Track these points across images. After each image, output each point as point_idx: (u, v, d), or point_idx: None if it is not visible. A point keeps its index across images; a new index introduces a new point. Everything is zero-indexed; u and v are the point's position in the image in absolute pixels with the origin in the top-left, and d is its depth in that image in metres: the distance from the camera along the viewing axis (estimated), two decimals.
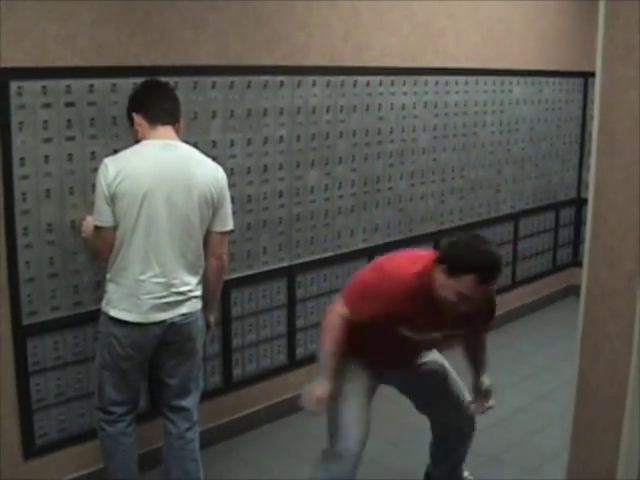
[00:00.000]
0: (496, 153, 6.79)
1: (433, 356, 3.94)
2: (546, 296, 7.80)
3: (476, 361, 3.93)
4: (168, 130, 3.75)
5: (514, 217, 7.18)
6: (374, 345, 3.67)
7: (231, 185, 3.91)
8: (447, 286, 3.34)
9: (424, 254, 3.65)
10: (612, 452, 2.19)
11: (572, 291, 7.68)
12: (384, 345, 3.65)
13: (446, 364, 3.97)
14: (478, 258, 3.30)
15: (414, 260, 3.58)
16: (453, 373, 3.97)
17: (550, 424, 5.04)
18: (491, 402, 3.84)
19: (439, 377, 3.93)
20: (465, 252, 3.36)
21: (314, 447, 4.71)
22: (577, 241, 8.01)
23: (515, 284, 7.29)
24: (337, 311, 3.61)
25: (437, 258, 3.43)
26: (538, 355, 6.45)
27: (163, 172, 3.63)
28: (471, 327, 3.72)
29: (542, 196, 7.53)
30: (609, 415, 2.21)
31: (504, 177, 6.95)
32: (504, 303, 7.08)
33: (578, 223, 7.95)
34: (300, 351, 5.35)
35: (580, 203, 7.86)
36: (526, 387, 5.81)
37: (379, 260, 3.79)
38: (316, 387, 3.51)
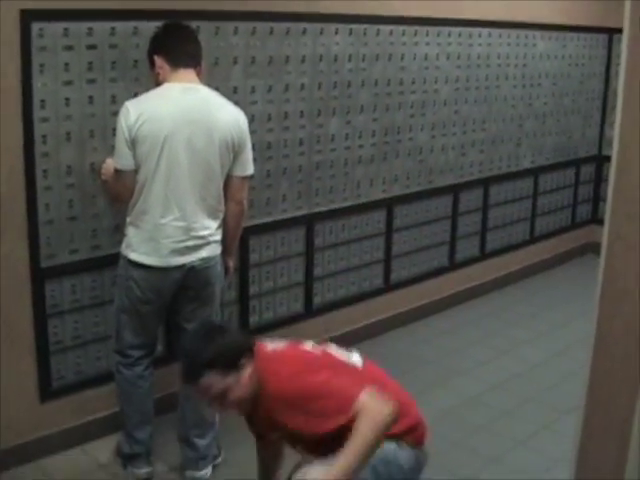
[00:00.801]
0: (518, 107, 6.73)
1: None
2: (564, 253, 7.77)
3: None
4: (190, 73, 3.71)
5: (534, 172, 7.14)
6: None
7: (251, 132, 3.87)
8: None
9: None
10: (629, 406, 2.19)
11: (590, 249, 7.66)
12: None
13: None
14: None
15: None
16: None
17: (565, 380, 5.05)
18: None
19: None
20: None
21: None
22: (597, 198, 7.97)
23: (533, 239, 7.27)
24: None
25: None
26: (555, 312, 6.44)
27: (184, 115, 3.61)
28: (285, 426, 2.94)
29: (563, 152, 7.48)
30: (626, 370, 2.20)
31: (525, 132, 6.90)
32: (521, 258, 7.09)
33: (598, 180, 7.92)
34: (317, 300, 5.36)
35: (601, 160, 7.81)
36: (542, 343, 5.81)
37: None
38: None
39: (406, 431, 2.95)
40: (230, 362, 2.87)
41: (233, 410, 3.01)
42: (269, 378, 2.91)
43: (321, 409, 2.83)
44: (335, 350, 3.18)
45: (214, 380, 2.83)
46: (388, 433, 2.82)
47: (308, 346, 3.14)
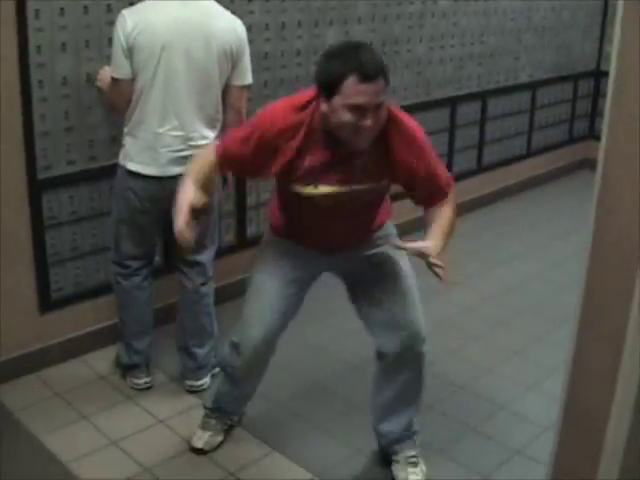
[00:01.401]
0: (516, 20, 6.67)
1: (387, 253, 3.32)
2: (561, 167, 7.77)
3: (431, 228, 3.11)
4: None
5: (532, 86, 7.10)
6: (295, 221, 3.30)
7: (249, 42, 3.82)
8: (334, 109, 2.84)
9: (299, 95, 3.11)
10: (623, 315, 2.21)
11: (587, 164, 7.65)
12: (304, 217, 3.24)
13: (402, 265, 3.34)
14: (346, 56, 2.82)
15: (290, 100, 3.12)
16: (408, 275, 3.35)
17: (560, 292, 5.08)
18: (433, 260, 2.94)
19: (388, 272, 3.33)
20: (331, 60, 2.86)
21: (324, 305, 4.69)
22: (594, 114, 7.94)
23: (530, 154, 7.27)
24: (204, 153, 3.29)
25: (315, 93, 2.96)
26: (550, 225, 6.47)
27: (182, 24, 3.57)
28: (387, 176, 3.11)
29: (561, 66, 7.43)
30: (620, 279, 2.22)
31: (523, 45, 6.85)
32: (518, 172, 7.09)
33: (596, 96, 7.88)
34: None
35: (599, 75, 7.77)
36: (537, 256, 5.85)
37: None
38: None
39: None
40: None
41: (370, 135, 2.88)
42: (402, 118, 3.08)
43: (428, 169, 3.09)
44: None
45: (382, 87, 2.83)
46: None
47: None
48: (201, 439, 3.64)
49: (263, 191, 4.97)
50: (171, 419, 3.86)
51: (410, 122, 3.10)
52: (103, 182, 4.15)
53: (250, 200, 4.95)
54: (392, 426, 3.49)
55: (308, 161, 2.99)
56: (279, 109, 3.05)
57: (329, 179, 3.01)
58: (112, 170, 3.90)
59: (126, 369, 4.11)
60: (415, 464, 3.49)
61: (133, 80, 3.62)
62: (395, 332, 3.26)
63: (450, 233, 3.10)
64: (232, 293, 4.84)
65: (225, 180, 4.06)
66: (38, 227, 4.00)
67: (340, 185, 3.02)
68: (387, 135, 2.99)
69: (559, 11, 7.17)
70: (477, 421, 3.93)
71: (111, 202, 3.98)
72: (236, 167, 3.31)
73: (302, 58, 4.93)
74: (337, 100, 2.80)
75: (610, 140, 2.17)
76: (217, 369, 4.15)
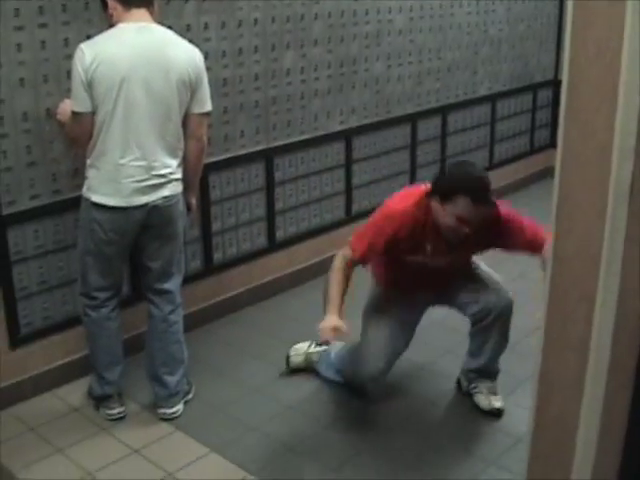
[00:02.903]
0: (473, 34, 6.74)
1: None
2: (524, 178, 7.84)
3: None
4: (143, 13, 3.68)
5: (491, 99, 7.16)
6: (403, 276, 3.98)
7: (206, 69, 3.84)
8: (444, 213, 3.63)
9: (417, 189, 3.87)
10: (586, 322, 2.24)
11: (549, 173, 7.65)
12: (410, 275, 3.94)
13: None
14: (465, 179, 3.65)
15: (410, 194, 3.85)
16: (482, 267, 4.19)
17: (525, 303, 5.09)
18: None
19: (468, 273, 4.12)
20: (452, 177, 3.76)
21: (293, 328, 4.82)
22: (554, 123, 8.00)
23: (492, 166, 7.31)
24: (340, 254, 3.82)
25: (430, 190, 3.72)
26: None
27: (140, 56, 3.60)
28: (479, 247, 3.98)
29: (519, 78, 7.51)
30: (583, 286, 2.25)
31: (481, 58, 6.92)
32: None
33: (555, 105, 7.94)
34: (280, 234, 5.40)
35: (557, 85, 7.84)
36: (501, 267, 5.86)
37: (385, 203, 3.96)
38: (322, 323, 3.65)
39: None
40: None
41: (464, 237, 3.71)
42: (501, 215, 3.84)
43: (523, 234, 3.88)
44: None
45: (489, 212, 3.67)
46: None
47: None
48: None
49: (227, 216, 5.00)
50: (146, 448, 3.85)
51: (504, 214, 3.83)
52: (68, 215, 4.15)
53: (216, 226, 4.96)
54: (479, 362, 4.18)
55: (422, 243, 3.78)
56: (399, 214, 3.75)
57: (437, 252, 3.82)
58: (76, 202, 3.91)
59: (99, 400, 4.09)
60: (495, 393, 4.17)
61: (94, 113, 3.63)
62: (490, 295, 4.05)
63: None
64: (200, 319, 4.88)
65: (189, 206, 4.08)
66: (5, 263, 3.99)
67: (447, 256, 3.85)
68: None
69: (515, 23, 7.24)
70: (450, 433, 3.99)
71: (77, 234, 3.98)
72: (359, 254, 3.80)
73: (260, 82, 4.96)
74: (448, 207, 3.60)
75: (565, 148, 2.21)
76: (190, 395, 4.17)
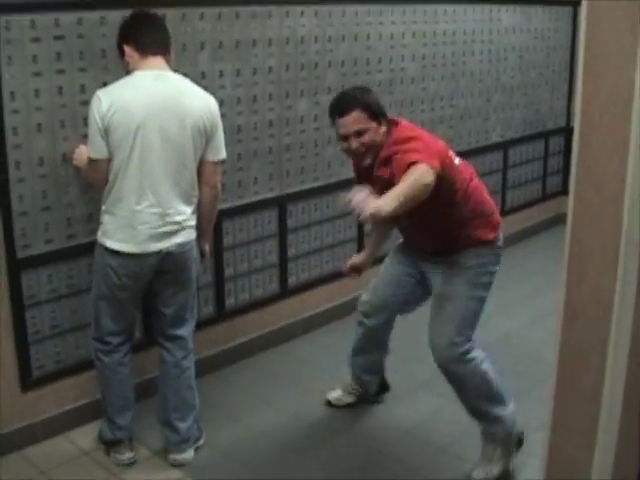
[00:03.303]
0: (485, 82, 6.79)
1: (444, 276, 3.95)
2: (536, 224, 7.85)
3: None
4: (159, 60, 3.74)
5: (503, 146, 7.20)
6: (399, 226, 4.12)
7: (221, 116, 3.89)
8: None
9: None
10: (598, 371, 2.24)
11: (561, 219, 7.62)
12: (399, 225, 4.08)
13: (451, 293, 3.96)
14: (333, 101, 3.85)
15: None
16: (453, 304, 3.99)
17: (538, 350, 5.11)
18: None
19: (438, 292, 4.00)
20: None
21: (306, 373, 4.81)
22: (566, 169, 8.02)
23: (504, 212, 7.30)
24: (425, 171, 3.37)
25: None
26: (527, 283, 6.49)
27: (156, 103, 3.64)
28: (385, 177, 3.64)
29: (531, 125, 7.54)
30: (595, 335, 2.25)
31: (493, 106, 6.96)
32: None
33: (567, 151, 7.95)
34: (292, 280, 5.41)
35: (569, 132, 7.86)
36: (514, 314, 5.87)
37: None
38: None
39: (497, 236, 3.97)
40: (376, 112, 3.73)
41: (360, 152, 3.74)
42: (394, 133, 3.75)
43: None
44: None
45: (362, 117, 3.67)
46: (486, 239, 3.89)
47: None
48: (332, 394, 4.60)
49: (240, 262, 5.02)
50: None
51: (394, 138, 3.73)
52: (81, 259, 4.17)
53: (228, 272, 4.97)
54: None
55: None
56: None
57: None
58: (90, 247, 3.94)
59: (109, 445, 4.09)
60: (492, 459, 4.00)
61: (110, 159, 3.67)
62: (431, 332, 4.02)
63: None
64: (212, 365, 4.87)
65: (202, 252, 4.10)
66: (18, 306, 4.01)
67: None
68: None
69: (526, 70, 7.29)
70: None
71: (90, 279, 4.00)
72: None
73: (274, 129, 5.00)
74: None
75: (577, 196, 2.22)
76: (201, 441, 4.16)
